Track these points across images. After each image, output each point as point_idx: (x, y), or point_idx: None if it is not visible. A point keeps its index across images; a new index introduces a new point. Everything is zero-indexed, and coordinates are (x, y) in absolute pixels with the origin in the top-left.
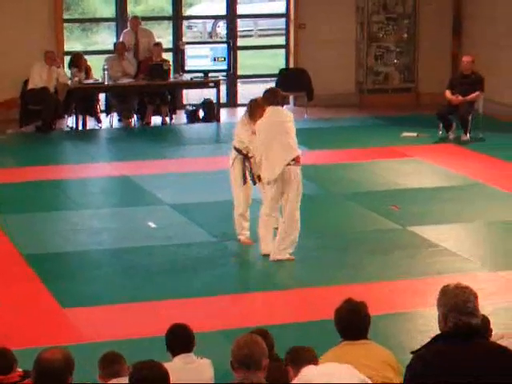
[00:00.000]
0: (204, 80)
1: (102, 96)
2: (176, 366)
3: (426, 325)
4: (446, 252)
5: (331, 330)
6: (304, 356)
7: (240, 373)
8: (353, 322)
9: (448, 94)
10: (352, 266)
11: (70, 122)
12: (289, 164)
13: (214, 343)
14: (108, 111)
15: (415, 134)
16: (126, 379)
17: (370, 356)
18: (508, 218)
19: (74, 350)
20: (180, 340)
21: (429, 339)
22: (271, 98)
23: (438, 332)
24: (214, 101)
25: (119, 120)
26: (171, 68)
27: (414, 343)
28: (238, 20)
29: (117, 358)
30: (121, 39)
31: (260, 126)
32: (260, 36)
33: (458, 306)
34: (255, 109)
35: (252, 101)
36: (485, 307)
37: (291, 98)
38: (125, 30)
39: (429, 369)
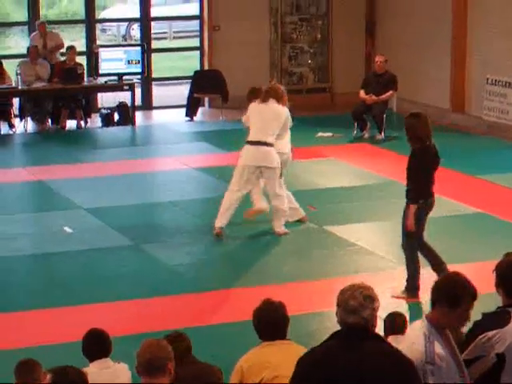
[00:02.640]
0: (118, 83)
1: (15, 100)
2: (92, 371)
3: None
4: (362, 250)
5: (250, 331)
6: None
7: (145, 378)
8: (271, 323)
9: (362, 93)
10: (269, 266)
11: None
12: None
13: (132, 347)
14: (22, 116)
15: (330, 134)
16: None
17: (290, 356)
18: (444, 214)
19: None
20: (96, 345)
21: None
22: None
23: None
24: (129, 104)
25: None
26: (85, 71)
27: None
28: (152, 22)
29: (33, 366)
30: (30, 43)
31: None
32: (174, 38)
33: (343, 304)
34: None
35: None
36: (402, 305)
37: (206, 99)
38: (33, 34)
39: (313, 365)
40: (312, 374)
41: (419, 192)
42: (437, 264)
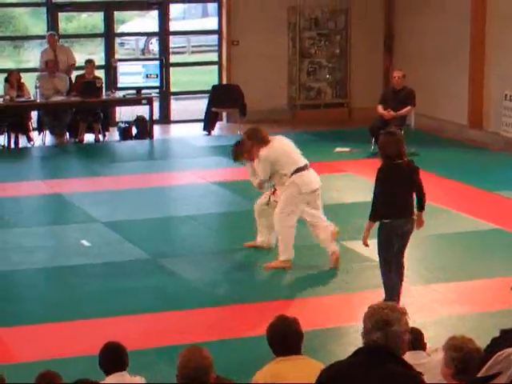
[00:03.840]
0: (137, 97)
1: (34, 114)
2: None
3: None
4: (376, 266)
5: (266, 346)
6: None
7: None
8: (284, 338)
9: (380, 108)
10: (286, 281)
11: (2, 140)
12: None
13: (148, 361)
14: (40, 129)
15: (348, 149)
16: None
17: (305, 371)
18: (439, 232)
19: (7, 370)
20: (112, 358)
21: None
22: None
23: None
24: (147, 118)
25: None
26: (103, 85)
27: None
28: (171, 37)
29: (53, 377)
30: (40, 58)
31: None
32: (193, 52)
33: (371, 320)
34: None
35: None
36: (417, 320)
37: (224, 114)
38: (43, 49)
39: (332, 380)
40: None
41: (379, 210)
42: (389, 299)
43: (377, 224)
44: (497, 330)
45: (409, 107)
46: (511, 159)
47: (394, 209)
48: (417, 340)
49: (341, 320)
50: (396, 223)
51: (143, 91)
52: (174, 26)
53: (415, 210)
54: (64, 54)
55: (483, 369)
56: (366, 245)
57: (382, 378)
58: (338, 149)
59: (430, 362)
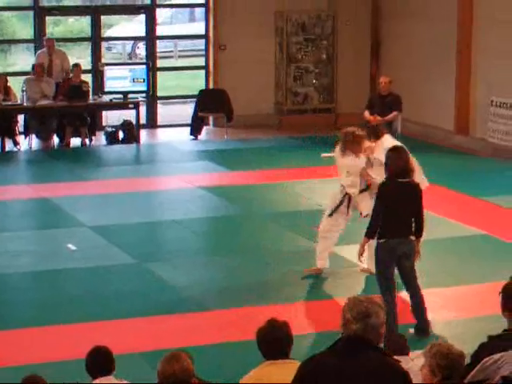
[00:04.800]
0: (123, 101)
1: (20, 118)
2: None
3: None
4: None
5: (252, 351)
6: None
7: None
8: (274, 341)
9: (366, 114)
10: (274, 286)
11: None
12: None
13: (134, 365)
14: (27, 133)
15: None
16: None
17: (292, 375)
18: (426, 238)
19: None
20: (99, 362)
21: None
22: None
23: None
24: (134, 122)
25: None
26: (90, 89)
27: None
28: (158, 41)
29: (38, 382)
30: (35, 60)
31: None
32: (180, 57)
33: (350, 311)
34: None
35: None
36: (403, 326)
37: (211, 118)
38: (39, 51)
39: (312, 371)
40: (310, 379)
41: (374, 227)
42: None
43: None
44: (484, 336)
45: (395, 113)
46: (498, 165)
47: (392, 229)
48: (400, 345)
49: (330, 325)
50: (394, 244)
51: (130, 95)
52: (161, 30)
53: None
54: (59, 59)
55: (469, 375)
56: (360, 261)
57: (361, 365)
58: (325, 154)
59: (412, 367)
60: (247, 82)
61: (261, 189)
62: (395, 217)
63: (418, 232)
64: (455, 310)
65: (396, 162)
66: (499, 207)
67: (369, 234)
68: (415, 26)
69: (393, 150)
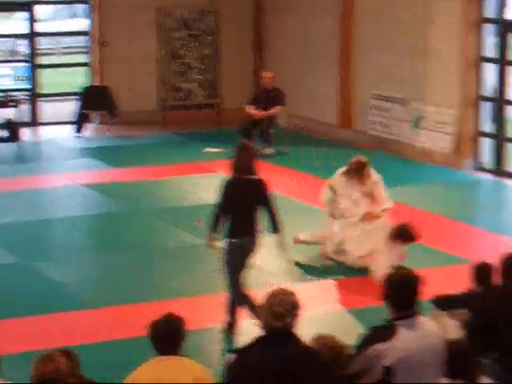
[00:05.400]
0: (5, 99)
1: None
2: None
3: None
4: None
5: (137, 347)
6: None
7: None
8: (163, 337)
9: (250, 109)
10: (157, 282)
11: None
12: None
13: (15, 366)
14: None
15: (218, 150)
16: None
17: (182, 371)
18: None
19: None
20: None
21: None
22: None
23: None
24: (16, 120)
25: None
26: None
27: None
28: (40, 38)
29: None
30: None
31: None
32: (64, 54)
33: (270, 309)
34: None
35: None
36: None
37: (95, 115)
38: None
39: (242, 369)
40: (242, 377)
41: (216, 222)
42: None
43: None
44: (365, 327)
45: (279, 107)
46: (378, 156)
47: (240, 228)
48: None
49: (208, 321)
50: (244, 243)
51: (12, 93)
52: (42, 27)
53: (271, 232)
54: None
55: (353, 365)
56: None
57: (285, 359)
58: (208, 149)
59: None
60: (130, 79)
61: (145, 185)
62: (238, 213)
63: (276, 228)
64: (336, 302)
65: (243, 159)
66: None
67: (210, 226)
68: (297, 20)
69: (240, 148)
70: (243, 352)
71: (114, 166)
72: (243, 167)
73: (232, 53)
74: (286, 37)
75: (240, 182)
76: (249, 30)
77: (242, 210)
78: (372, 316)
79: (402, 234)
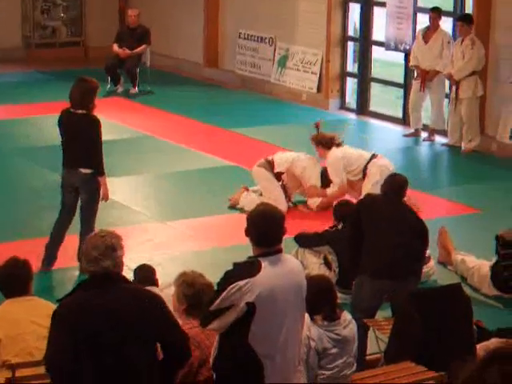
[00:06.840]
0: None
1: None
2: None
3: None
4: (116, 205)
5: None
6: None
7: None
8: (16, 279)
9: (115, 47)
10: (21, 222)
11: None
12: None
13: None
14: None
15: None
16: None
17: (36, 311)
18: (176, 169)
19: None
20: None
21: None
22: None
23: None
24: None
25: None
26: None
27: None
28: None
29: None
30: None
31: None
32: None
33: (85, 254)
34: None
35: None
36: (154, 257)
37: None
38: None
39: (71, 316)
40: (71, 324)
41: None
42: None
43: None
44: (230, 264)
45: (144, 46)
46: (245, 96)
47: (63, 158)
48: (148, 276)
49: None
50: (64, 175)
51: None
52: None
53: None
54: None
55: (215, 302)
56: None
57: (111, 301)
58: None
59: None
60: None
61: (7, 124)
62: (67, 148)
63: (97, 170)
64: (204, 240)
65: (75, 91)
66: (247, 138)
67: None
68: None
69: (78, 81)
70: (68, 300)
71: None
72: (75, 101)
73: None
74: None
75: (70, 116)
76: None
77: (70, 145)
78: (242, 254)
79: None
